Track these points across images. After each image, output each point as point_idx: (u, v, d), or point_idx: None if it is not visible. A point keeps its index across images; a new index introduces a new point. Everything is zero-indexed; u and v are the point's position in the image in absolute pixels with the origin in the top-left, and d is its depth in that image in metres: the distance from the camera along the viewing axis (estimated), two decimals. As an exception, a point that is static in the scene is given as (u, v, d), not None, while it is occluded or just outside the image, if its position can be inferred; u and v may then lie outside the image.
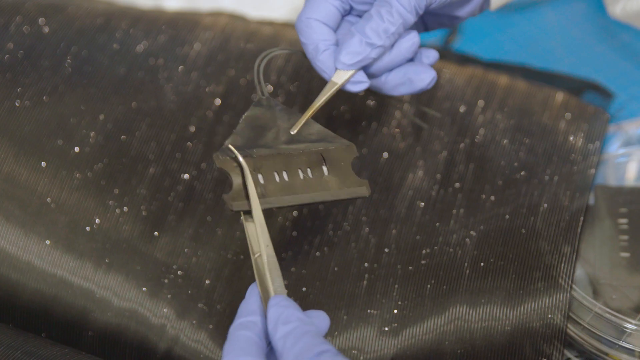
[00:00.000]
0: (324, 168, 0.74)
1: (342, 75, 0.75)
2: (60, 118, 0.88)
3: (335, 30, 0.77)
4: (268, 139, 0.74)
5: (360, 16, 0.77)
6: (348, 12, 0.77)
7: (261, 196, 0.71)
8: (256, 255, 0.69)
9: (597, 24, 1.08)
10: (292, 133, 0.75)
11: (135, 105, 0.90)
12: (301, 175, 0.74)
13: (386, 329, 0.81)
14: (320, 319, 0.68)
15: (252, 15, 1.00)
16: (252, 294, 0.68)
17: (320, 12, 0.75)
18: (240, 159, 0.72)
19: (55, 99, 0.89)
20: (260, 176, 0.72)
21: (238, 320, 0.67)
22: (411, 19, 0.74)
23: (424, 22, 0.81)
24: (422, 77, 0.77)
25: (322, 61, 0.75)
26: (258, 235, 0.69)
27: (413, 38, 0.76)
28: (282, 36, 0.96)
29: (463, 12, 0.80)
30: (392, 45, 0.75)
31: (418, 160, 0.89)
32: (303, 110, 0.76)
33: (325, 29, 0.75)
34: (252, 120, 0.75)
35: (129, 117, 0.90)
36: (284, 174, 0.73)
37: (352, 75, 0.75)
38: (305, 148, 0.74)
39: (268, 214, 0.86)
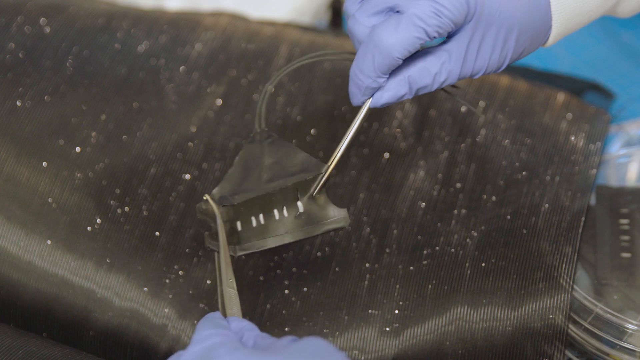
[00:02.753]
0: (299, 204, 0.75)
1: (365, 110, 0.74)
2: (61, 118, 0.88)
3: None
4: (252, 181, 0.75)
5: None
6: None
7: (237, 243, 0.74)
8: (223, 286, 0.72)
9: (598, 24, 1.08)
10: (314, 195, 0.75)
11: (136, 105, 0.90)
12: (277, 216, 0.75)
13: (387, 329, 0.81)
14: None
15: (254, 15, 1.01)
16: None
17: (408, 51, 0.69)
18: (216, 210, 0.73)
19: (57, 99, 0.89)
20: (238, 223, 0.74)
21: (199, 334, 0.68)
22: (453, 82, 0.73)
23: None
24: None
25: (367, 94, 0.72)
26: (222, 271, 0.72)
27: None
28: (283, 36, 0.96)
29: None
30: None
31: (419, 161, 0.89)
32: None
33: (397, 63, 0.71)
34: (244, 160, 0.76)
35: (130, 117, 0.90)
36: (261, 217, 0.75)
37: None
38: (283, 184, 0.75)
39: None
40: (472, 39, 0.71)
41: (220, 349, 0.64)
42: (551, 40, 0.75)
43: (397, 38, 0.69)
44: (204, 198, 0.74)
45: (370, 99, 0.73)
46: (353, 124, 0.74)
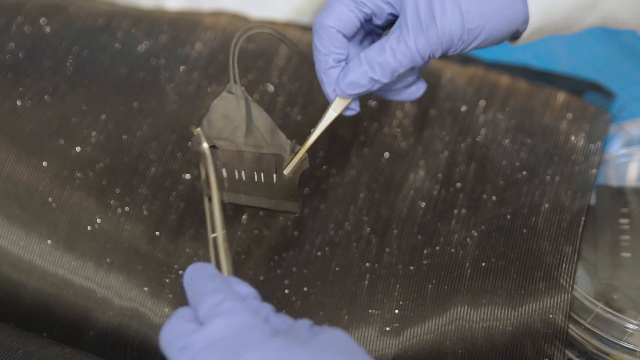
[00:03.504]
0: (274, 176, 0.76)
1: (339, 102, 0.75)
2: (61, 118, 0.88)
3: (351, 39, 0.76)
4: (235, 134, 0.75)
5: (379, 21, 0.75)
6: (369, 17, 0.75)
7: (222, 188, 0.73)
8: (212, 235, 0.70)
9: (598, 24, 1.08)
10: (285, 173, 0.76)
11: (136, 105, 0.90)
12: (255, 177, 0.75)
13: (387, 329, 0.81)
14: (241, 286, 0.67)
15: (254, 15, 1.01)
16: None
17: (340, 20, 0.74)
18: (205, 146, 0.73)
19: (57, 99, 0.89)
20: (224, 170, 0.74)
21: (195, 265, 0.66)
22: (420, 63, 0.73)
23: None
24: (412, 90, 0.78)
25: (328, 76, 0.75)
26: (215, 218, 0.70)
27: (421, 88, 0.78)
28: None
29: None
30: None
31: (419, 160, 0.89)
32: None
33: (341, 40, 0.74)
34: (222, 108, 0.75)
35: (130, 117, 0.90)
36: (242, 173, 0.74)
37: (348, 104, 0.75)
38: (266, 150, 0.75)
39: (270, 213, 0.86)
40: (418, 5, 0.72)
41: (252, 334, 0.60)
42: (528, 32, 0.75)
43: (328, 13, 0.73)
44: (194, 133, 0.73)
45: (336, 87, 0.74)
46: (326, 112, 0.75)
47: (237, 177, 0.74)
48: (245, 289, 0.65)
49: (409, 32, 0.72)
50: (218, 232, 0.70)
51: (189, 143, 0.74)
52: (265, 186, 0.75)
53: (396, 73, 0.73)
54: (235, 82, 0.77)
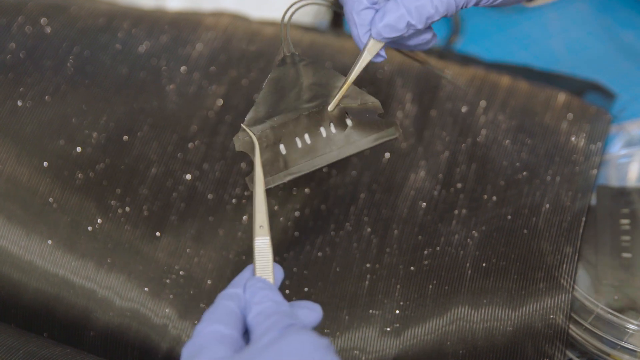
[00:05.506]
0: (348, 121, 0.73)
1: (372, 45, 0.72)
2: (62, 118, 0.88)
3: None
4: (290, 100, 0.72)
5: None
6: None
7: (284, 168, 0.71)
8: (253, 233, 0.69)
9: (599, 24, 1.08)
10: (329, 109, 0.72)
11: (137, 105, 0.90)
12: (324, 134, 0.72)
13: (388, 329, 0.81)
14: (306, 310, 0.68)
15: (254, 15, 1.01)
16: (247, 270, 0.69)
17: None
18: (254, 139, 0.70)
19: (58, 99, 0.89)
20: (282, 146, 0.72)
21: (225, 290, 0.67)
22: (453, 11, 0.72)
23: None
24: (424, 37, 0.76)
25: (361, 17, 0.72)
26: (254, 216, 0.70)
27: (435, 37, 0.76)
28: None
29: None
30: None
31: (420, 161, 0.89)
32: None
33: None
34: (275, 82, 0.73)
35: (131, 117, 0.90)
36: (306, 137, 0.72)
37: (381, 48, 0.73)
38: (327, 102, 0.72)
39: (270, 213, 0.86)
40: None
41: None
42: None
43: None
44: (242, 127, 0.71)
45: (370, 32, 0.72)
46: (361, 55, 0.72)
47: (300, 145, 0.71)
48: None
49: None
50: (254, 231, 0.69)
51: (234, 139, 0.71)
52: (339, 135, 0.72)
53: (430, 20, 0.71)
54: (288, 52, 0.74)
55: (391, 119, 0.72)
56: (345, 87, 0.73)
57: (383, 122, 0.73)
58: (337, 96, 0.73)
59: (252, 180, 0.70)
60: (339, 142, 0.72)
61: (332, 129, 0.72)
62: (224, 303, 0.66)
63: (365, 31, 0.72)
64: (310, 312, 0.67)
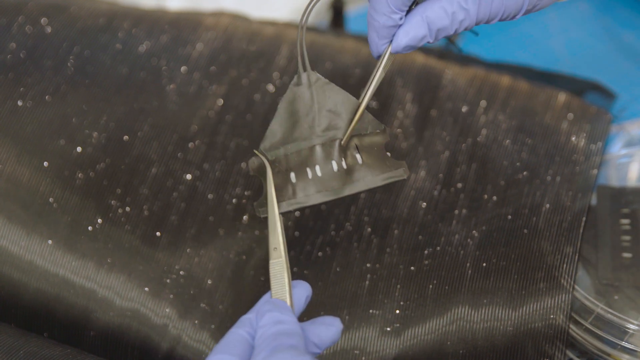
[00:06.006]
0: (357, 156, 0.72)
1: (389, 58, 0.72)
2: (62, 118, 0.88)
3: None
4: (304, 129, 0.72)
5: None
6: None
7: (292, 196, 0.71)
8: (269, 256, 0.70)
9: (599, 24, 1.08)
10: (341, 144, 0.72)
11: (137, 105, 0.90)
12: (335, 167, 0.71)
13: (388, 329, 0.81)
14: (323, 327, 0.68)
15: (254, 15, 1.01)
16: (266, 294, 0.69)
17: None
18: (267, 165, 0.70)
19: (58, 99, 0.89)
20: (292, 174, 0.71)
21: (242, 316, 0.68)
22: (471, 26, 0.71)
23: None
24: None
25: (385, 30, 0.71)
26: (269, 239, 0.70)
27: None
28: (285, 36, 0.96)
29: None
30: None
31: (420, 160, 0.89)
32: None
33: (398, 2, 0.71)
34: (290, 104, 0.72)
35: (131, 117, 0.90)
36: (317, 168, 0.71)
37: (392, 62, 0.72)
38: (340, 133, 0.72)
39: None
40: None
41: None
42: None
43: None
44: (255, 153, 0.71)
45: (390, 45, 0.71)
46: (375, 71, 0.72)
47: (310, 175, 0.71)
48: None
49: (473, 2, 0.70)
50: (270, 253, 0.69)
51: (249, 162, 0.72)
52: (350, 171, 0.71)
53: (445, 33, 0.71)
54: (304, 70, 0.72)
55: (400, 160, 0.72)
56: (357, 116, 0.72)
57: (392, 163, 0.72)
58: (349, 129, 0.72)
59: (261, 206, 0.71)
60: (349, 178, 0.72)
61: (343, 164, 0.72)
62: (234, 331, 0.67)
63: (384, 42, 0.72)
64: (328, 327, 0.68)
